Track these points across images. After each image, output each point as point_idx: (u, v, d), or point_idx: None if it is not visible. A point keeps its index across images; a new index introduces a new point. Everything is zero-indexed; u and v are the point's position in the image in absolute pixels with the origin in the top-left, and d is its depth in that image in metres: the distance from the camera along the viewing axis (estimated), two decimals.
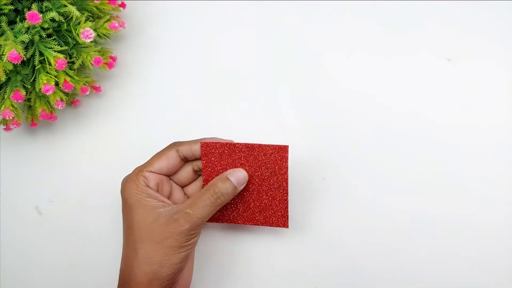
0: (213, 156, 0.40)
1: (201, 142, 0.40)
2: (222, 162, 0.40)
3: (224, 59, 0.50)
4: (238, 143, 0.40)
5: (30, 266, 0.46)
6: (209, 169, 0.40)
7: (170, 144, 0.41)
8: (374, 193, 0.45)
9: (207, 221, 0.40)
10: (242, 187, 0.39)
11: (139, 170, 0.39)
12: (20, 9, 0.40)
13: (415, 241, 0.44)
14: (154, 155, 0.40)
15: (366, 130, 0.47)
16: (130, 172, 0.40)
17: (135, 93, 0.49)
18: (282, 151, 0.39)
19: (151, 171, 0.39)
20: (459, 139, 0.46)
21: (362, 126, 0.47)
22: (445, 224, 0.44)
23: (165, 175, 0.40)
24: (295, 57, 0.50)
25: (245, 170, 0.40)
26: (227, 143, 0.40)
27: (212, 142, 0.40)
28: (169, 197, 0.41)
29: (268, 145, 0.39)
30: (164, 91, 0.49)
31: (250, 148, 0.40)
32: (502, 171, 0.45)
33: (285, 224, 0.40)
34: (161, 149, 0.41)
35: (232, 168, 0.40)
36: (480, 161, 0.46)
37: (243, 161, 0.40)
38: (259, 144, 0.39)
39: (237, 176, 0.39)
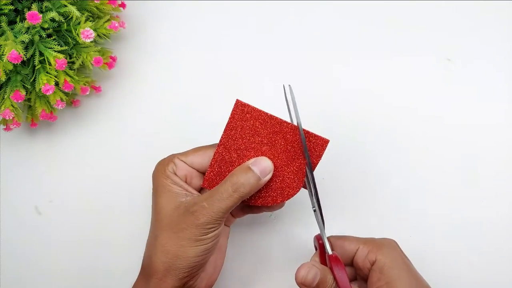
0: (243, 120, 0.36)
1: (236, 99, 0.36)
2: (250, 131, 0.36)
3: (224, 58, 0.50)
4: (277, 118, 0.36)
5: (29, 266, 0.46)
6: (231, 134, 0.36)
7: (214, 143, 0.38)
8: (373, 193, 0.45)
9: None
10: (267, 178, 0.35)
11: (172, 156, 0.37)
12: (20, 9, 0.40)
13: (416, 241, 0.44)
14: (195, 147, 0.38)
15: (366, 130, 0.47)
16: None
17: (135, 93, 0.49)
18: (322, 143, 0.36)
19: (183, 161, 0.37)
20: (458, 139, 0.46)
21: (361, 126, 0.47)
22: (445, 223, 0.44)
23: (196, 170, 0.38)
24: (295, 57, 0.50)
25: (273, 148, 0.36)
26: (267, 113, 0.36)
27: (249, 104, 0.36)
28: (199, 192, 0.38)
29: (309, 132, 0.36)
30: (164, 91, 0.49)
31: (292, 129, 0.36)
32: (502, 170, 0.45)
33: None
34: (205, 145, 0.39)
35: (258, 141, 0.36)
36: (479, 160, 0.46)
37: (273, 138, 0.36)
38: (304, 130, 0.36)
39: (261, 165, 0.35)
